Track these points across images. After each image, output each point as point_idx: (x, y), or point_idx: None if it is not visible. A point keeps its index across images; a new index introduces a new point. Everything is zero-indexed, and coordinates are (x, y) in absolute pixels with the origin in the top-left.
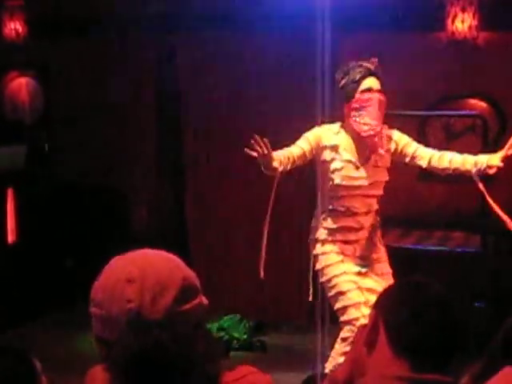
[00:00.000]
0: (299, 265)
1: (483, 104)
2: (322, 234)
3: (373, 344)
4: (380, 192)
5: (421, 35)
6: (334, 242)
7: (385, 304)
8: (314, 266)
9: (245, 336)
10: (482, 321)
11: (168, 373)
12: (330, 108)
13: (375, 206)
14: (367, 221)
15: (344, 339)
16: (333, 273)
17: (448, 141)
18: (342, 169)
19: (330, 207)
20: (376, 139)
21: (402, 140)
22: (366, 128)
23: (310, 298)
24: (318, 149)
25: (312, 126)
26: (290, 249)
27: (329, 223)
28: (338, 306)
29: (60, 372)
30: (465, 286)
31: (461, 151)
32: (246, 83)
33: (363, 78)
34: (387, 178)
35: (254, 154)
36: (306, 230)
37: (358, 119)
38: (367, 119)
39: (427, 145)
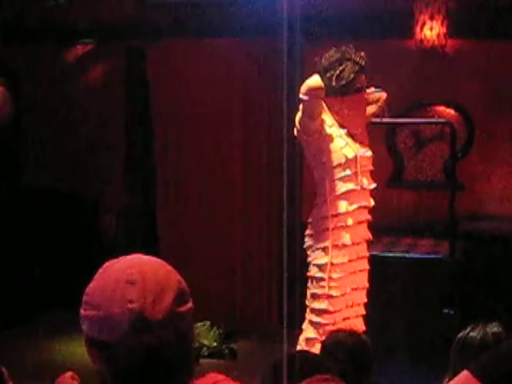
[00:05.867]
0: (269, 273)
1: (451, 111)
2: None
3: None
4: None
5: (390, 43)
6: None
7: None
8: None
9: (215, 343)
10: (450, 327)
11: (171, 373)
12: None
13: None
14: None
15: (309, 339)
16: (335, 275)
17: (417, 148)
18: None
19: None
20: (360, 135)
21: None
22: (354, 125)
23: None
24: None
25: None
26: (261, 256)
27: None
28: (318, 306)
29: (29, 380)
30: (433, 293)
31: (429, 158)
32: (214, 90)
33: (357, 76)
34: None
35: None
36: (277, 238)
37: (347, 117)
38: (356, 119)
39: (396, 151)
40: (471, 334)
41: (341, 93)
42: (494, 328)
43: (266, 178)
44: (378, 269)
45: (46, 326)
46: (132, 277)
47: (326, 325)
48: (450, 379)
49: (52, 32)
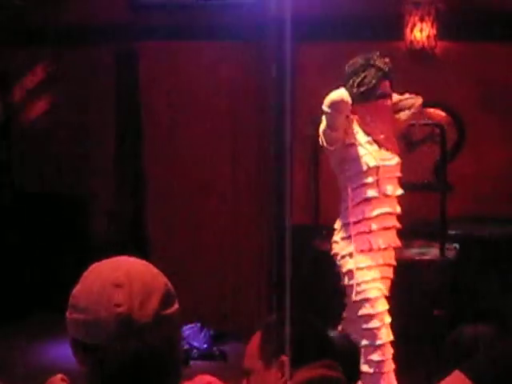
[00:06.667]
0: (259, 274)
1: (441, 113)
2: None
3: None
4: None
5: (379, 44)
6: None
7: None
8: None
9: (205, 345)
10: (440, 330)
11: (159, 375)
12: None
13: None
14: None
15: (366, 346)
16: (362, 278)
17: (407, 149)
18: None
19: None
20: (385, 141)
21: None
22: (377, 131)
23: None
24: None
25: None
26: (251, 260)
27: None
28: (362, 312)
29: (18, 382)
30: (424, 295)
31: (420, 160)
32: (205, 91)
33: (379, 82)
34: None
35: None
36: (268, 239)
37: (370, 124)
38: (380, 125)
39: None
40: (462, 335)
41: (363, 99)
42: (484, 329)
43: (256, 179)
44: None
45: (35, 326)
46: (118, 280)
47: (376, 328)
48: (440, 380)
49: (40, 33)
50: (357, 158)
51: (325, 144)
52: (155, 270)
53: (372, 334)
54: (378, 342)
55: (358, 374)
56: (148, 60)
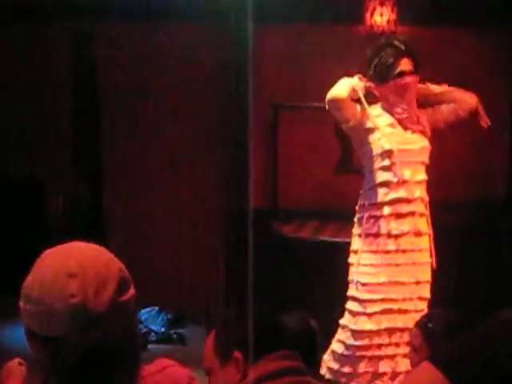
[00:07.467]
0: (215, 256)
1: None
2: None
3: None
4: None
5: (339, 28)
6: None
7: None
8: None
9: (163, 329)
10: None
11: (118, 363)
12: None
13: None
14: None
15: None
16: (363, 261)
17: None
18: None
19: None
20: (409, 122)
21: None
22: (399, 111)
23: None
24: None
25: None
26: (208, 243)
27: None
28: (350, 292)
29: None
30: None
31: None
32: (162, 73)
33: (396, 60)
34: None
35: None
36: (226, 223)
37: (393, 104)
38: (401, 104)
39: (343, 137)
40: (432, 321)
41: (382, 79)
42: (450, 313)
43: (215, 158)
44: (326, 254)
45: None
46: (71, 269)
47: (358, 313)
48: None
49: None
50: (373, 142)
51: (344, 129)
52: (109, 256)
53: (349, 316)
54: (353, 327)
55: (316, 358)
56: (105, 41)
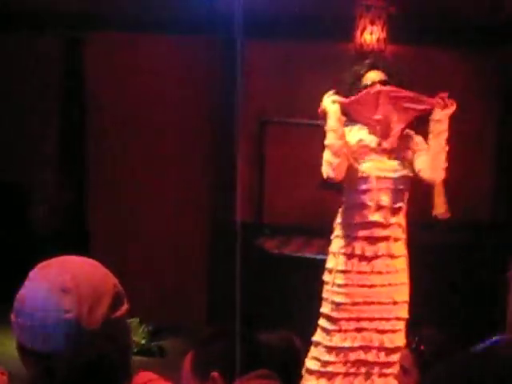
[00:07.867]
0: (198, 269)
1: None
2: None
3: None
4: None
5: (330, 45)
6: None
7: None
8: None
9: (143, 341)
10: None
11: (109, 380)
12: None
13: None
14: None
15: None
16: (337, 280)
17: None
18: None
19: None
20: (380, 135)
21: (420, 146)
22: (372, 123)
23: None
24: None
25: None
26: (191, 256)
27: None
28: (322, 310)
29: None
30: None
31: None
32: (152, 84)
33: (366, 72)
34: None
35: None
36: (210, 236)
37: (365, 116)
38: (375, 115)
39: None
40: (423, 343)
41: (354, 90)
42: (431, 332)
43: (202, 170)
44: (314, 271)
45: None
46: (66, 284)
47: (333, 331)
48: None
49: None
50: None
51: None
52: (104, 271)
53: (323, 333)
54: (328, 344)
55: (300, 375)
56: (95, 50)
